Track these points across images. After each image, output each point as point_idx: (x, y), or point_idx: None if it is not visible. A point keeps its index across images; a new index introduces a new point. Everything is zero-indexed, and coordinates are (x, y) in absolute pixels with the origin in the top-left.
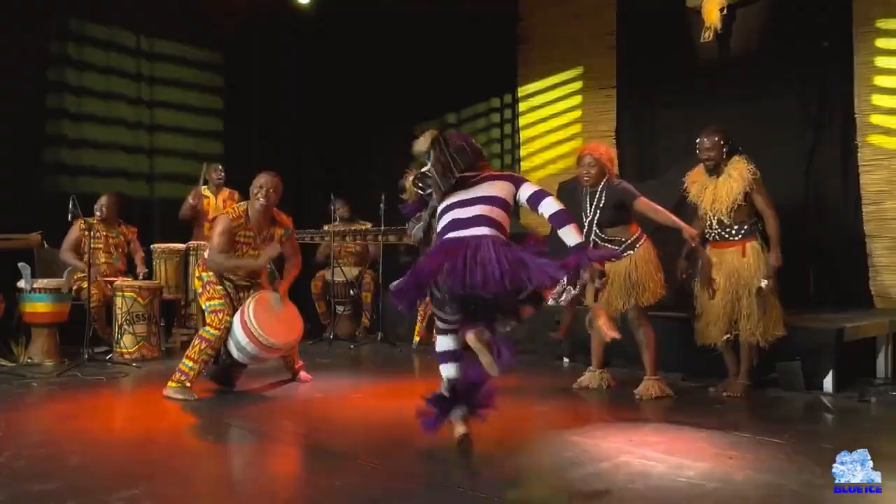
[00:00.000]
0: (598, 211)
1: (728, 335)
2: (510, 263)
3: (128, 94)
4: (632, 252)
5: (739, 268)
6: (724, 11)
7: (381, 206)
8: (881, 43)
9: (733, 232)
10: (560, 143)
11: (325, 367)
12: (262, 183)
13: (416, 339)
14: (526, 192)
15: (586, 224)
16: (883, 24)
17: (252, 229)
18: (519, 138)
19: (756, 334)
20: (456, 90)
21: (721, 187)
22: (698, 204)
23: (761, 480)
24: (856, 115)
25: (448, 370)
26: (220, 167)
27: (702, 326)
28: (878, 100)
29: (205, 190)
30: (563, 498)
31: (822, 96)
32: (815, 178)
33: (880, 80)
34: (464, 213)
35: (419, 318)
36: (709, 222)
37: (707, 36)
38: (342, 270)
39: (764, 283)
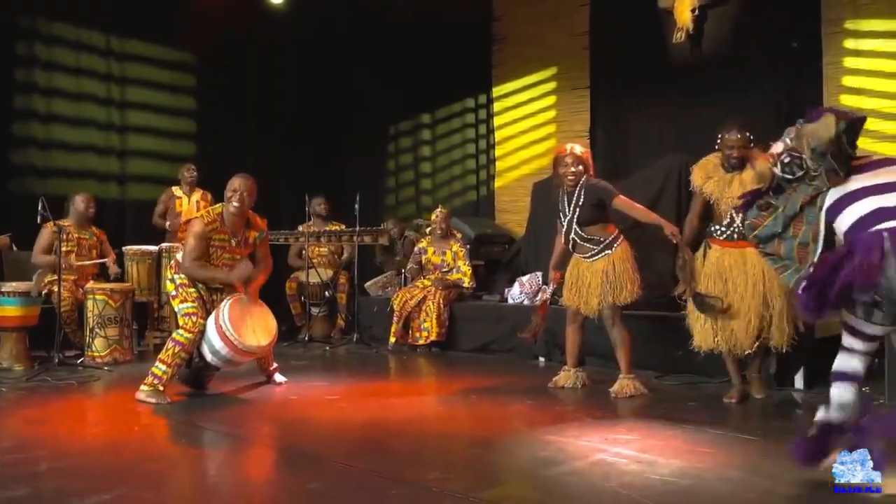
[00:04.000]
0: (578, 209)
1: (758, 341)
2: None
3: (98, 95)
4: (609, 252)
5: (768, 269)
6: (696, 12)
7: (356, 206)
8: (849, 44)
9: None
10: (535, 143)
11: (301, 369)
12: (237, 187)
13: (392, 339)
14: None
15: (565, 224)
16: (851, 24)
17: (226, 232)
18: (494, 138)
19: (785, 337)
20: (431, 90)
21: (750, 183)
22: (719, 200)
23: (734, 477)
24: None
25: (843, 394)
26: (193, 167)
27: (727, 334)
28: (847, 100)
29: (177, 190)
30: (539, 497)
31: (791, 96)
32: None
33: (848, 81)
34: (889, 202)
35: (395, 318)
36: (729, 219)
37: (679, 36)
38: (317, 271)
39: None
